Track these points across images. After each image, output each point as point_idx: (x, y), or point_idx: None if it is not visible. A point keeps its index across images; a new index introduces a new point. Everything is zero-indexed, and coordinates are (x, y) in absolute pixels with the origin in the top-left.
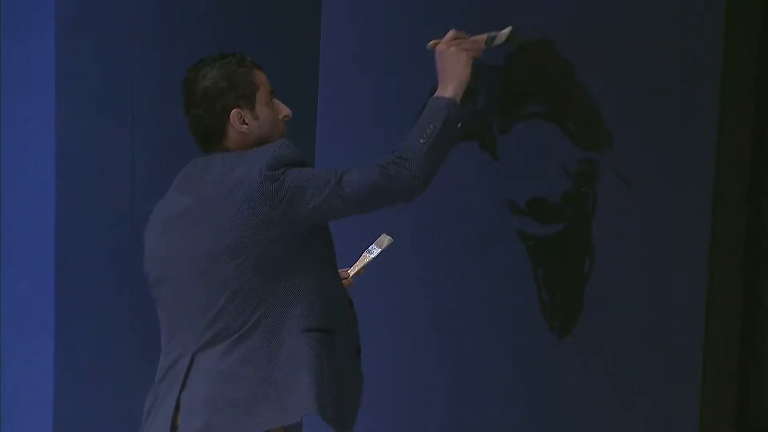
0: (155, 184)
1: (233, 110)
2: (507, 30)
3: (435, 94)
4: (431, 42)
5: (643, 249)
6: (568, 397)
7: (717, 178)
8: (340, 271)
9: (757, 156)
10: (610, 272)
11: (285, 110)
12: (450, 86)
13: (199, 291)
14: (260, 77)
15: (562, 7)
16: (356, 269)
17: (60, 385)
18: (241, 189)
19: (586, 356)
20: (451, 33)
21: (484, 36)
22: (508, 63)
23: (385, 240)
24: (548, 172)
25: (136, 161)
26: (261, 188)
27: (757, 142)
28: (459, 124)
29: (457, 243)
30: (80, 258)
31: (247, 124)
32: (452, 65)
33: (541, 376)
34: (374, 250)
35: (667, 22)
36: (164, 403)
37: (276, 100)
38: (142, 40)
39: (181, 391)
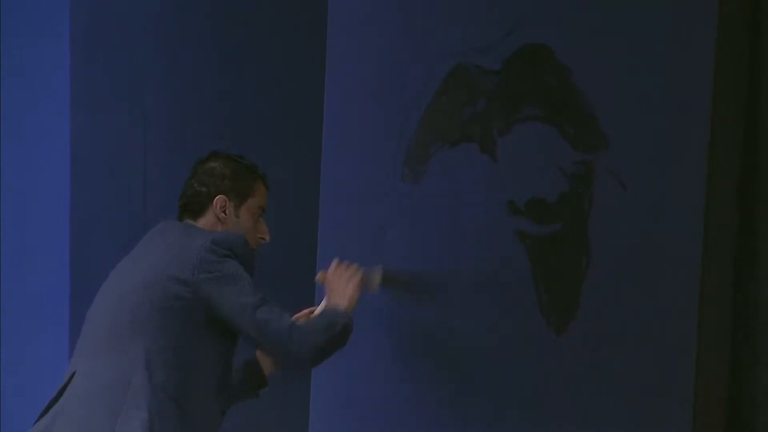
0: (167, 183)
1: (221, 195)
2: (378, 270)
3: (331, 305)
4: (319, 274)
5: (638, 248)
6: (565, 393)
7: (710, 179)
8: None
9: (749, 158)
10: (606, 271)
11: (265, 232)
12: (344, 303)
13: (107, 312)
14: (261, 190)
15: (559, 11)
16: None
17: None
18: (184, 249)
19: (582, 353)
20: (335, 261)
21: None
22: (506, 67)
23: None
24: (546, 173)
25: (149, 162)
26: (198, 252)
27: (748, 144)
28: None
29: (457, 242)
30: (94, 257)
31: (225, 214)
32: (343, 286)
33: (539, 373)
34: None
35: (660, 26)
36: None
37: (261, 220)
38: (154, 42)
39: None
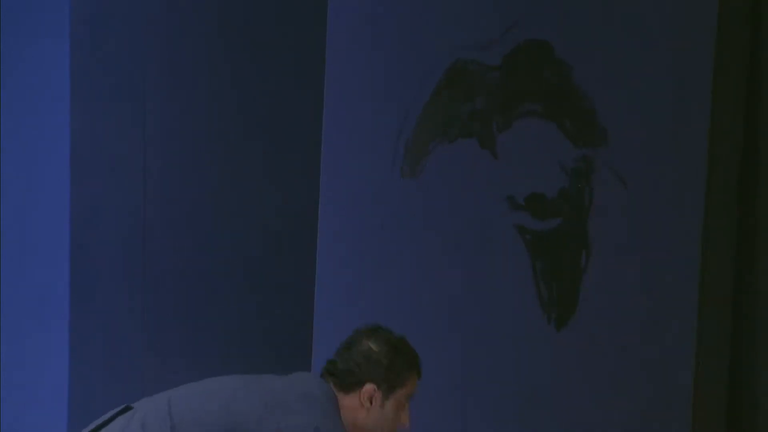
0: (167, 182)
1: (371, 384)
2: None
3: None
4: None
5: (638, 243)
6: (565, 388)
7: (709, 175)
8: None
9: (749, 154)
10: (606, 266)
11: (407, 420)
12: None
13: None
14: (413, 381)
15: (559, 7)
16: None
17: (74, 379)
18: (286, 412)
19: (582, 349)
20: None
21: None
22: (506, 63)
23: None
24: (546, 168)
25: (148, 160)
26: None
27: (748, 140)
28: None
29: (458, 237)
30: (94, 255)
31: (371, 404)
32: None
33: (539, 367)
34: None
35: (660, 22)
36: None
37: (407, 407)
38: (155, 42)
39: None
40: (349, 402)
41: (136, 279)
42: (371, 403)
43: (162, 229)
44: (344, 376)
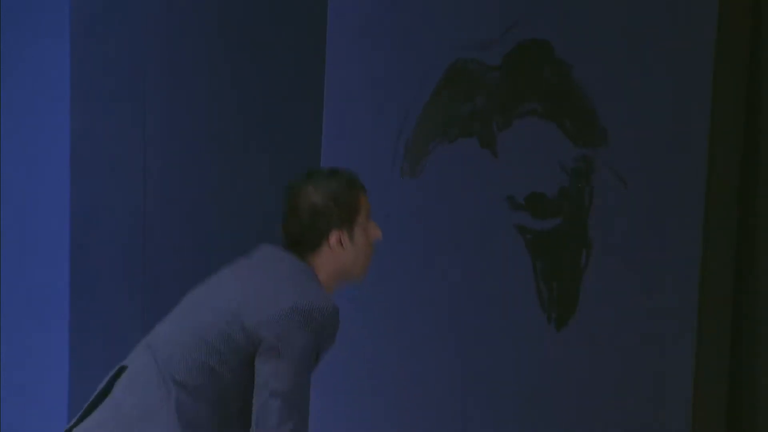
0: (167, 180)
1: (335, 232)
2: None
3: None
4: None
5: (638, 243)
6: (565, 387)
7: (710, 175)
8: None
9: (750, 154)
10: (606, 265)
11: (378, 233)
12: None
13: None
14: (364, 200)
15: (560, 7)
16: None
17: (74, 379)
18: (269, 299)
19: (582, 348)
20: None
21: None
22: (506, 63)
23: None
24: (546, 168)
25: (148, 159)
26: (277, 315)
27: (749, 140)
28: None
29: (458, 237)
30: (94, 254)
31: (342, 246)
32: None
33: (539, 367)
34: None
35: (660, 22)
36: None
37: (371, 221)
38: (155, 41)
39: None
40: (322, 258)
41: (136, 279)
42: (342, 245)
43: (162, 229)
44: (306, 241)
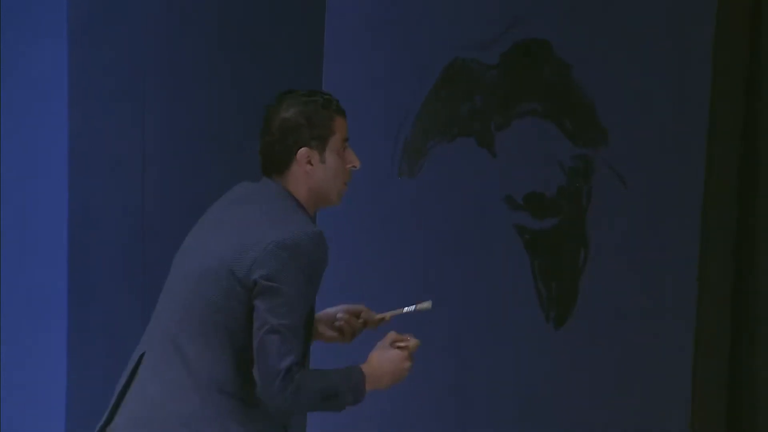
0: (165, 180)
1: (303, 149)
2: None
3: (362, 370)
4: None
5: (636, 242)
6: (564, 386)
7: (708, 175)
8: (370, 313)
9: (748, 154)
10: (604, 265)
11: (355, 160)
12: (383, 379)
13: (182, 293)
14: (340, 123)
15: (559, 6)
16: (385, 315)
17: (72, 379)
18: (249, 240)
19: (581, 346)
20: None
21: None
22: (505, 62)
23: (425, 304)
24: (544, 168)
25: (147, 158)
26: (261, 252)
27: (747, 140)
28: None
29: (456, 237)
30: (93, 254)
31: (312, 165)
32: (387, 368)
33: (538, 365)
34: (411, 307)
35: (659, 22)
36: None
37: (349, 149)
38: (154, 41)
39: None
40: (293, 176)
41: (136, 279)
42: (311, 163)
43: (161, 229)
44: (277, 159)
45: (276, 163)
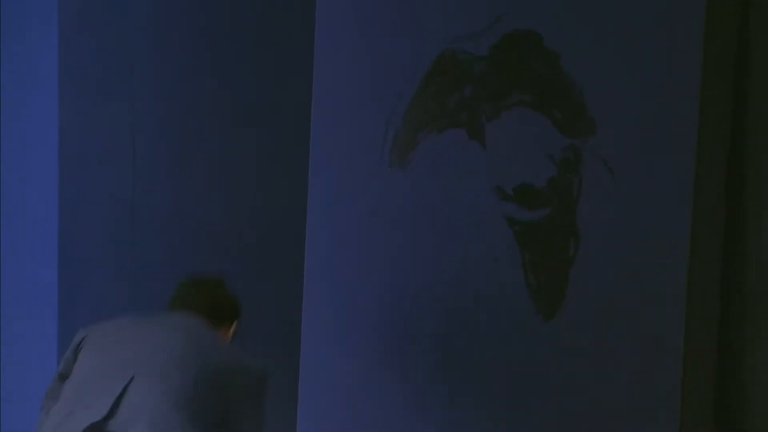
0: (156, 177)
1: (235, 324)
2: None
3: None
4: None
5: (626, 233)
6: (554, 378)
7: (698, 165)
8: None
9: (738, 144)
10: (595, 256)
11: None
12: None
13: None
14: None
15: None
16: None
17: None
18: (236, 364)
19: (570, 339)
20: None
21: None
22: (495, 53)
23: None
24: (534, 159)
25: (137, 155)
26: (254, 382)
27: (737, 130)
28: None
29: (446, 228)
30: (83, 251)
31: (230, 339)
32: None
33: (527, 358)
34: None
35: (649, 12)
36: None
37: None
38: (144, 36)
39: None
40: (222, 335)
41: (125, 273)
42: (232, 338)
43: (151, 223)
44: (219, 317)
45: (217, 321)
